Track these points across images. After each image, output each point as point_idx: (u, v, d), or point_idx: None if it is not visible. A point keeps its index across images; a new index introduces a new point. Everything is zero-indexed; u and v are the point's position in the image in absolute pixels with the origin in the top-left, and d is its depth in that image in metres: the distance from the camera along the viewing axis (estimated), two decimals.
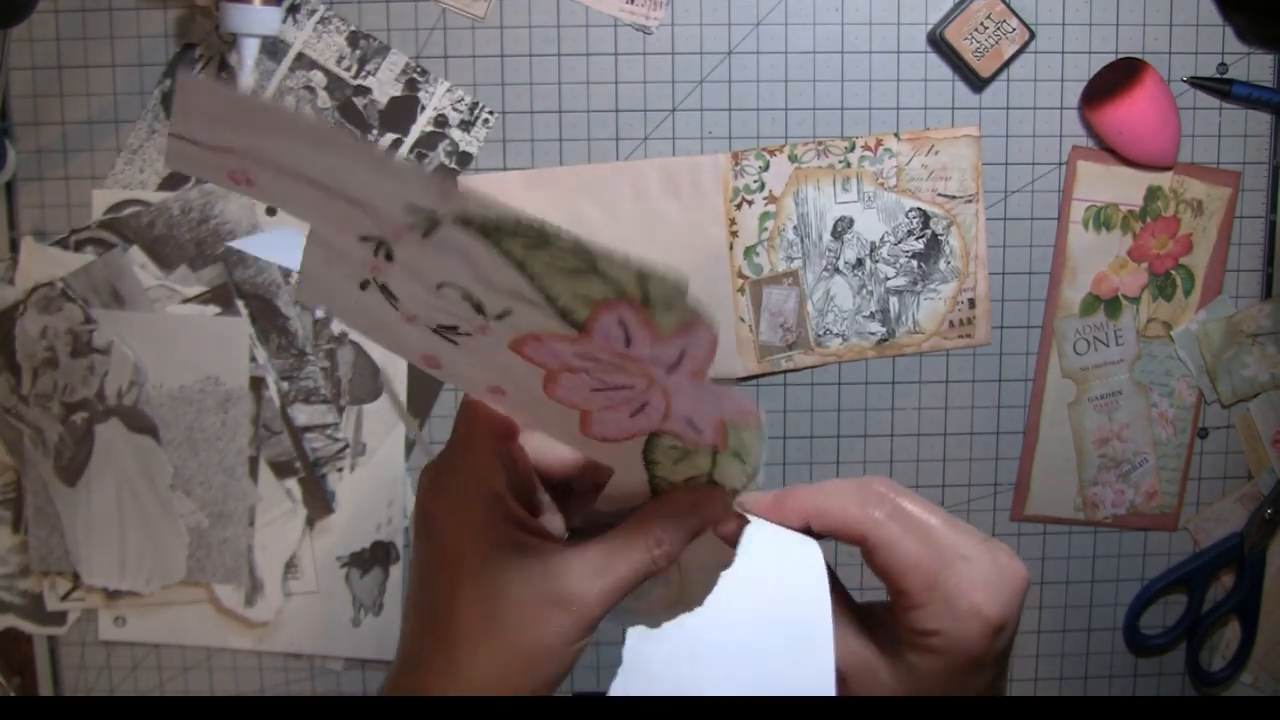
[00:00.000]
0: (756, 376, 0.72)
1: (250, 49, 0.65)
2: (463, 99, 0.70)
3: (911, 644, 0.37)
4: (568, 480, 0.42)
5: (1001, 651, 0.38)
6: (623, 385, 0.34)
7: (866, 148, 0.71)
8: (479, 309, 0.33)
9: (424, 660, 0.39)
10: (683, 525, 0.39)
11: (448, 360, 0.37)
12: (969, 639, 0.36)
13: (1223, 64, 0.71)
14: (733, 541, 0.40)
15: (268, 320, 0.71)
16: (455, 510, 0.38)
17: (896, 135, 0.70)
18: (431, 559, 0.39)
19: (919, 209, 0.71)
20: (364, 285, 0.36)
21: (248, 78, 0.65)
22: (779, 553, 0.39)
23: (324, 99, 0.70)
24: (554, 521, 0.41)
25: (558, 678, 0.38)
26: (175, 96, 0.33)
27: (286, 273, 0.71)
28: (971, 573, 0.37)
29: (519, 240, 0.30)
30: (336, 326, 0.72)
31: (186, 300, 0.70)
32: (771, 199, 0.71)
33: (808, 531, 0.40)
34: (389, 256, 0.34)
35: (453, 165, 0.71)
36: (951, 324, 0.72)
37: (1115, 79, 0.70)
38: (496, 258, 0.31)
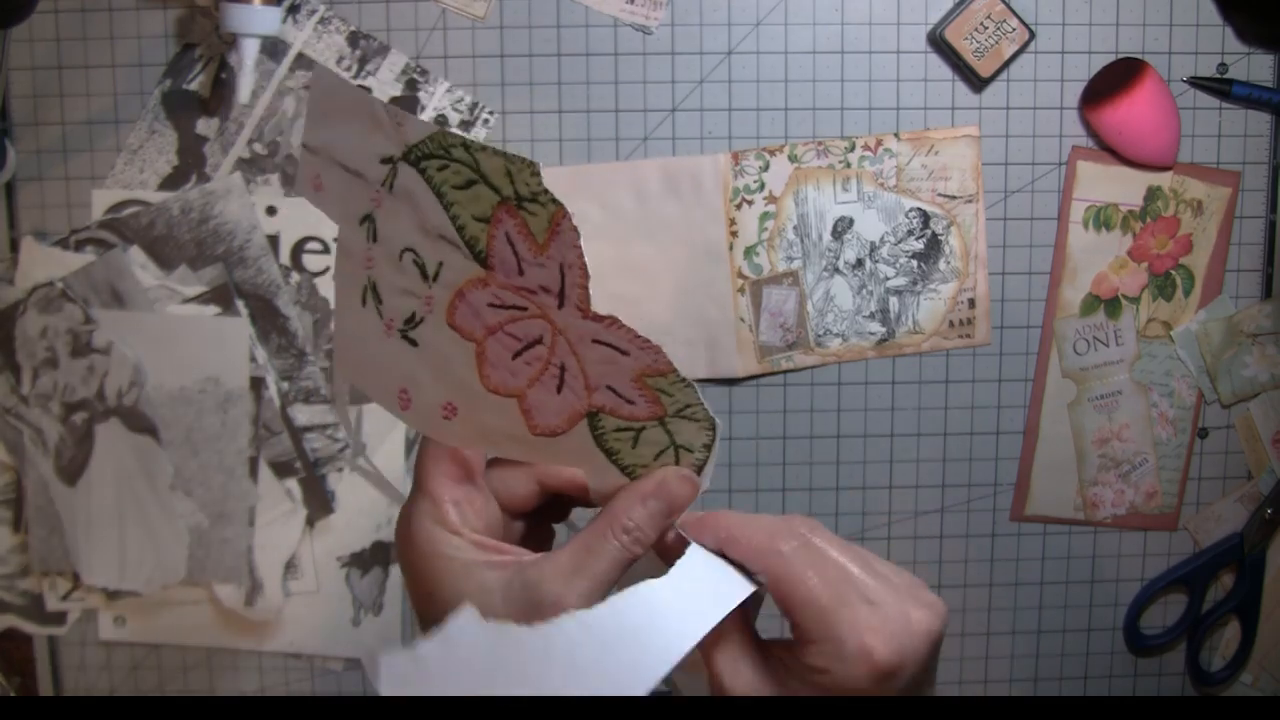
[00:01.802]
0: (756, 376, 0.72)
1: (250, 49, 0.65)
2: (463, 99, 0.70)
3: (802, 679, 0.38)
4: (537, 509, 0.43)
5: (899, 693, 0.37)
6: (534, 339, 0.37)
7: (866, 148, 0.71)
8: (424, 273, 0.37)
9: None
10: (648, 508, 0.40)
11: (415, 390, 0.40)
12: (854, 680, 0.36)
13: (1223, 64, 0.71)
14: (672, 556, 0.40)
15: (268, 320, 0.71)
16: (431, 560, 0.39)
17: (896, 135, 0.70)
18: (418, 603, 0.40)
19: (919, 209, 0.71)
20: (364, 296, 0.39)
21: (248, 78, 0.65)
22: (702, 581, 0.40)
23: None
24: (531, 548, 0.42)
25: None
26: (310, 96, 0.38)
27: (286, 273, 0.71)
28: (870, 617, 0.37)
29: (435, 162, 0.35)
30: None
31: (186, 300, 0.70)
32: (771, 199, 0.71)
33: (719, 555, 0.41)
34: (374, 236, 0.38)
35: None
36: (951, 324, 0.72)
37: (1115, 79, 0.70)
38: (427, 191, 0.35)
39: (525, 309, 0.36)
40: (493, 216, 0.35)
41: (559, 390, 0.38)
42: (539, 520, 0.44)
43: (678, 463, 0.40)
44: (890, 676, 0.36)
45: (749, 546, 0.39)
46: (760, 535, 0.39)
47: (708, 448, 0.40)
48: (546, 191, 0.34)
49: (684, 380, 0.38)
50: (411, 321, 0.39)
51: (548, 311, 0.36)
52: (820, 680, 0.37)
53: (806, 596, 0.37)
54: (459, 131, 0.32)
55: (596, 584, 0.38)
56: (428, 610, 0.40)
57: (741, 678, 0.39)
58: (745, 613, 0.40)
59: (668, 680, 0.40)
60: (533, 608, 0.38)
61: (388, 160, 0.36)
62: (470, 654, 0.37)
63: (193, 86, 0.70)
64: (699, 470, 0.41)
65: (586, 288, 0.35)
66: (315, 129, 0.39)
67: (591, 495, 0.41)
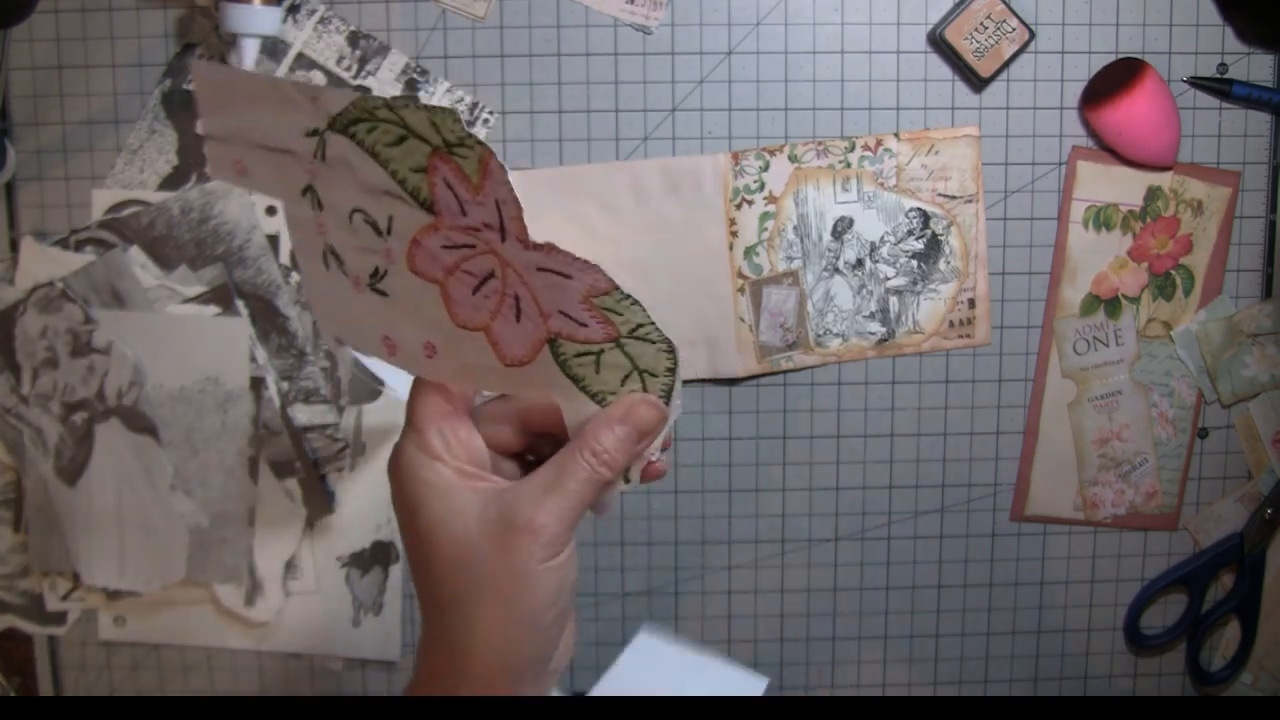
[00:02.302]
0: (756, 376, 0.72)
1: (250, 49, 0.65)
2: (463, 99, 0.70)
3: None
4: (528, 451, 0.46)
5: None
6: (487, 273, 0.39)
7: (866, 148, 0.71)
8: (377, 229, 0.39)
9: (432, 637, 0.42)
10: (616, 432, 0.41)
11: (397, 335, 0.42)
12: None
13: (1223, 64, 0.71)
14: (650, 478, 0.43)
15: (268, 320, 0.71)
16: (413, 484, 0.41)
17: (896, 135, 0.70)
18: (402, 528, 0.42)
19: (919, 209, 0.71)
20: (325, 260, 0.42)
21: None
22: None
23: None
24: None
25: (548, 602, 0.41)
26: (195, 90, 0.39)
27: (286, 273, 0.71)
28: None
29: (363, 126, 0.37)
30: None
31: (186, 300, 0.70)
32: (771, 199, 0.71)
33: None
34: (319, 204, 0.41)
35: None
36: (951, 324, 0.72)
37: (1115, 79, 0.70)
38: (362, 154, 0.37)
39: (474, 246, 0.39)
40: (428, 165, 0.37)
41: (518, 319, 0.40)
42: (531, 465, 0.45)
43: (644, 388, 0.42)
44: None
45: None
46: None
47: (670, 371, 0.42)
48: (470, 135, 0.36)
49: (630, 298, 0.40)
50: (376, 275, 0.41)
51: (494, 246, 0.38)
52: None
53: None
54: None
55: (569, 504, 0.41)
56: (411, 534, 0.42)
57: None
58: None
59: None
60: (507, 527, 0.40)
61: (313, 133, 0.38)
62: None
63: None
64: (666, 395, 0.42)
65: (521, 219, 0.37)
66: (216, 118, 0.41)
67: (567, 428, 0.43)
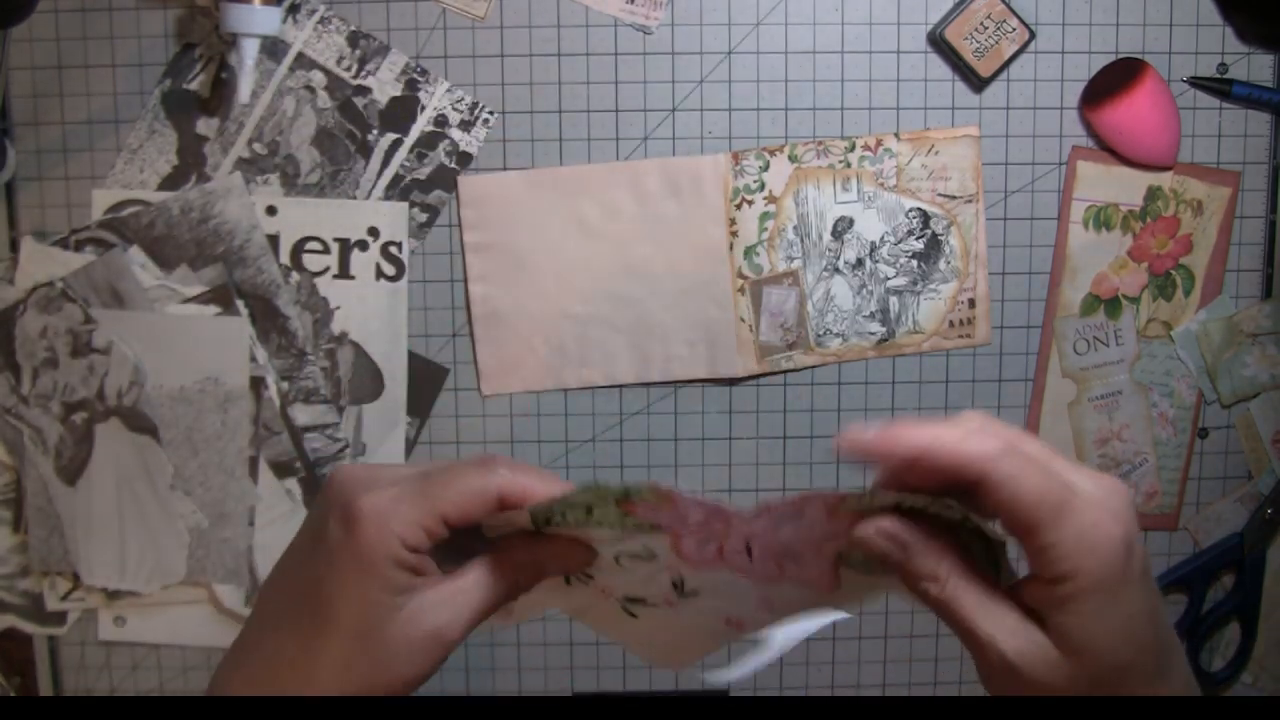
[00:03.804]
0: (756, 376, 0.72)
1: (250, 49, 0.65)
2: (463, 99, 0.70)
3: (1058, 600, 0.36)
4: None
5: (1142, 570, 0.36)
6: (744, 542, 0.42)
7: (866, 148, 0.71)
8: (644, 557, 0.43)
9: (285, 654, 0.40)
10: (541, 560, 0.42)
11: (734, 612, 0.46)
12: (1107, 566, 0.35)
13: (1223, 64, 0.71)
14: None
15: (268, 320, 0.71)
16: (382, 551, 0.39)
17: (896, 135, 0.70)
18: (335, 553, 0.40)
19: (919, 209, 0.71)
20: (628, 610, 0.46)
21: (248, 78, 0.65)
22: None
23: (324, 99, 0.70)
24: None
25: (415, 681, 0.41)
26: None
27: (286, 273, 0.71)
28: (1088, 498, 0.36)
29: (554, 523, 0.41)
30: (336, 326, 0.72)
31: (186, 300, 0.70)
32: (771, 199, 0.71)
33: (908, 474, 0.38)
34: (587, 577, 0.45)
35: (453, 165, 0.71)
36: (951, 324, 0.72)
37: (1115, 79, 0.70)
38: (574, 530, 0.42)
39: (715, 529, 0.41)
40: (624, 511, 0.40)
41: (796, 562, 0.43)
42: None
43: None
44: (1130, 546, 0.36)
45: (948, 462, 0.36)
46: (961, 450, 0.36)
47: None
48: (629, 489, 0.39)
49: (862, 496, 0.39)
50: (679, 587, 0.44)
51: (729, 522, 0.41)
52: (1072, 590, 0.35)
53: (1031, 499, 0.35)
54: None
55: (478, 616, 0.41)
56: (323, 560, 0.40)
57: (1016, 636, 0.37)
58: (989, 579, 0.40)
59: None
60: (422, 637, 0.39)
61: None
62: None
63: (193, 86, 0.70)
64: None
65: (725, 508, 0.41)
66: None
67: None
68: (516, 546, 0.42)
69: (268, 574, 0.43)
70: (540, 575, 0.43)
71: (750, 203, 0.70)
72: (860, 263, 0.71)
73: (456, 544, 0.43)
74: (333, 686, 0.39)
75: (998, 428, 0.37)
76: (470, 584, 0.41)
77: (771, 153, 0.70)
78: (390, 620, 0.39)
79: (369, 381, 0.72)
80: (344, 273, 0.71)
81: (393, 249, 0.71)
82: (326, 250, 0.71)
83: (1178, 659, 0.39)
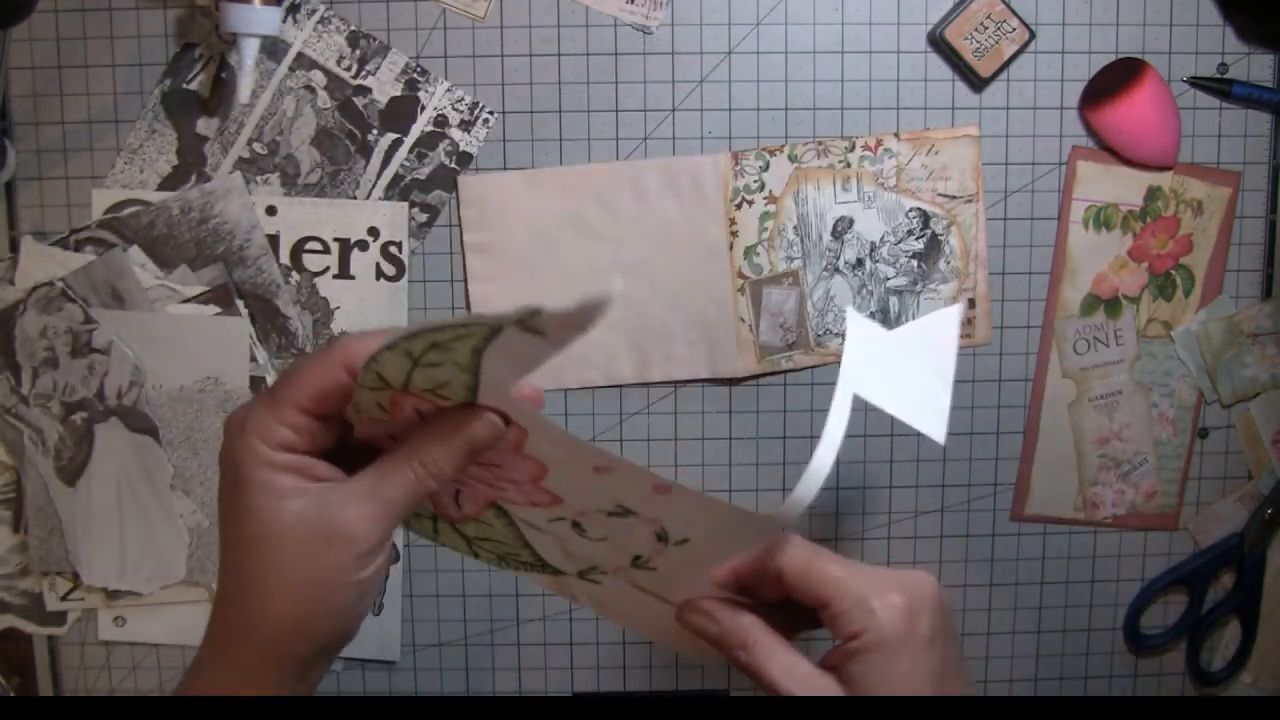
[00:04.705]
0: (756, 376, 0.72)
1: (250, 49, 0.65)
2: (463, 99, 0.70)
3: (848, 656, 0.43)
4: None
5: (927, 638, 0.43)
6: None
7: (866, 148, 0.71)
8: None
9: (227, 600, 0.41)
10: (448, 446, 0.41)
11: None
12: (887, 625, 0.42)
13: (1223, 64, 0.71)
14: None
15: (268, 320, 0.71)
16: (247, 457, 0.40)
17: (896, 135, 0.70)
18: (225, 505, 0.41)
19: (919, 209, 0.71)
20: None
21: (248, 78, 0.65)
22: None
23: (324, 99, 0.70)
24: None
25: (346, 607, 0.41)
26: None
27: (286, 272, 0.71)
28: (878, 577, 0.44)
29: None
30: (336, 326, 0.72)
31: (186, 300, 0.70)
32: (771, 199, 0.71)
33: (744, 592, 0.47)
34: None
35: (453, 165, 0.71)
36: None
37: (1115, 79, 0.70)
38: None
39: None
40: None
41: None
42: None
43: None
44: (914, 616, 0.43)
45: (753, 569, 0.46)
46: (759, 556, 0.45)
47: (503, 412, 0.42)
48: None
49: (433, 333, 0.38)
50: (662, 539, 0.46)
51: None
52: (860, 645, 0.42)
53: (823, 573, 0.44)
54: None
55: (389, 512, 0.40)
56: (228, 502, 0.41)
57: (811, 689, 0.43)
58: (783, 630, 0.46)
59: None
60: (324, 536, 0.40)
61: None
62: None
63: (193, 86, 0.70)
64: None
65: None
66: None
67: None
68: (412, 432, 0.41)
69: None
70: (450, 453, 0.41)
71: (750, 203, 0.70)
72: (860, 263, 0.71)
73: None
74: (264, 595, 0.40)
75: (801, 540, 0.45)
76: (369, 476, 0.41)
77: (771, 153, 0.70)
78: (280, 523, 0.39)
79: None
80: (344, 273, 0.71)
81: (393, 249, 0.71)
82: (326, 250, 0.71)
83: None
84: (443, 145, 0.71)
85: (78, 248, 0.71)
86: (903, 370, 0.49)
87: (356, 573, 0.40)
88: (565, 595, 0.51)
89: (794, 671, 0.44)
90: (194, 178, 0.71)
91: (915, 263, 0.71)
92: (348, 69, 0.70)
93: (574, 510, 0.45)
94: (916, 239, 0.71)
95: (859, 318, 0.49)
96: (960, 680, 0.45)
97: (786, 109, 0.71)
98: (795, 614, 0.46)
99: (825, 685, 0.43)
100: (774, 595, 0.46)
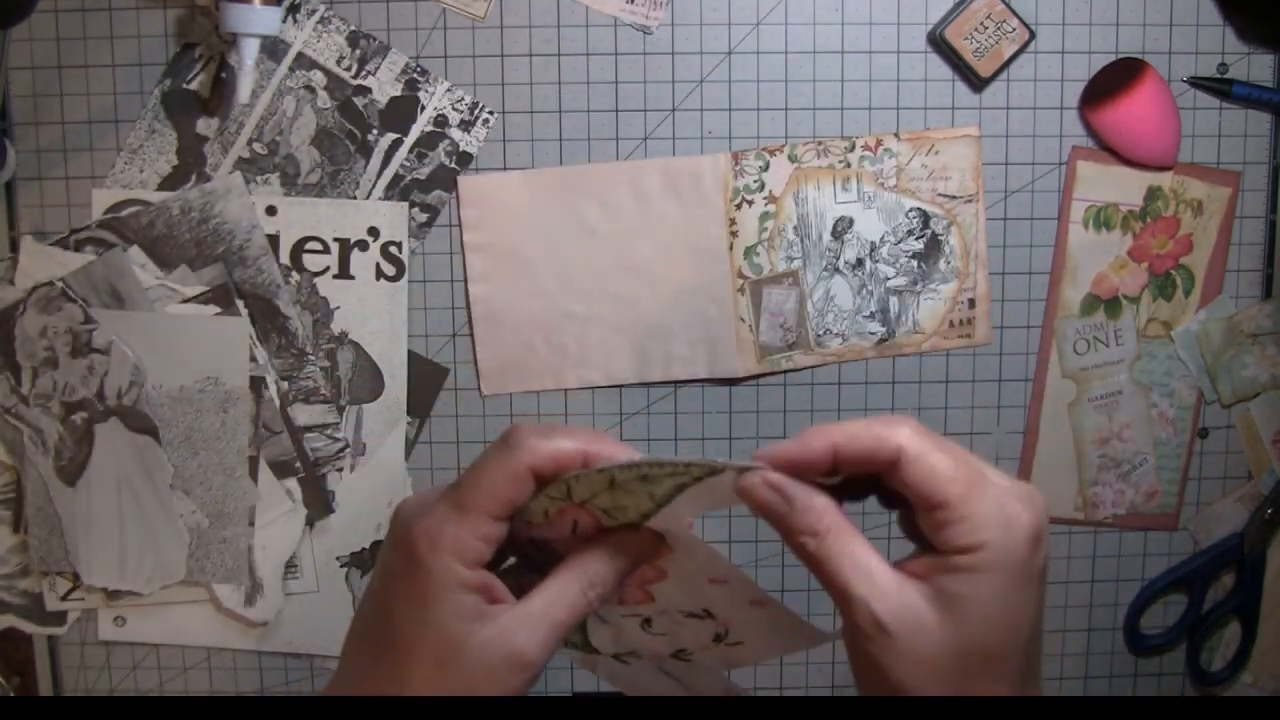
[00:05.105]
0: (756, 376, 0.72)
1: (250, 49, 0.65)
2: (463, 99, 0.70)
3: (953, 569, 0.36)
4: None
5: (1042, 568, 0.37)
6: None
7: (866, 148, 0.71)
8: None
9: (375, 693, 0.40)
10: (615, 565, 0.41)
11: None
12: (1015, 547, 0.36)
13: (1223, 64, 0.71)
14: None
15: (268, 320, 0.71)
16: (443, 576, 0.39)
17: (896, 135, 0.70)
18: (405, 609, 0.40)
19: (919, 209, 0.71)
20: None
21: (248, 78, 0.65)
22: None
23: (324, 99, 0.70)
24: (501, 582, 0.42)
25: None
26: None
27: (286, 272, 0.71)
28: (1002, 486, 0.37)
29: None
30: (336, 326, 0.72)
31: (186, 300, 0.70)
32: (771, 199, 0.71)
33: (829, 472, 0.39)
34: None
35: (453, 165, 0.71)
36: (951, 324, 0.72)
37: (1115, 79, 0.70)
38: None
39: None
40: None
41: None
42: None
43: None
44: (1040, 539, 0.36)
45: (870, 438, 0.38)
46: (877, 425, 0.38)
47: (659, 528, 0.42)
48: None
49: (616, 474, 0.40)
50: (720, 639, 0.46)
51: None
52: (978, 559, 0.36)
53: (947, 473, 0.37)
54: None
55: (557, 634, 0.40)
56: (401, 597, 0.39)
57: (891, 597, 0.37)
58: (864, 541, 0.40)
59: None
60: (502, 661, 0.39)
61: None
62: None
63: (193, 86, 0.70)
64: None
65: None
66: None
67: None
68: (582, 552, 0.41)
69: (349, 625, 0.43)
70: (616, 575, 0.41)
71: (750, 203, 0.70)
72: (860, 263, 0.71)
73: (533, 563, 0.43)
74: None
75: (916, 422, 0.38)
76: (543, 601, 0.40)
77: (771, 153, 0.70)
78: (466, 647, 0.39)
79: (369, 381, 0.72)
80: (344, 273, 0.71)
81: (393, 249, 0.71)
82: (326, 250, 0.71)
83: (1037, 672, 0.39)
84: (443, 145, 0.71)
85: (78, 248, 0.71)
86: None
87: (525, 689, 0.40)
88: (586, 667, 0.50)
89: (872, 575, 0.37)
90: (194, 178, 0.71)
91: (915, 263, 0.71)
92: (348, 69, 0.70)
93: (658, 610, 0.45)
94: (916, 239, 0.71)
95: None
96: (1040, 636, 0.39)
97: (786, 109, 0.71)
98: (852, 490, 0.41)
99: (910, 603, 0.37)
100: (853, 469, 0.39)
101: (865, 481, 0.40)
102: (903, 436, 0.37)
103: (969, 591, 0.36)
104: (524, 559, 0.44)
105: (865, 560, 0.38)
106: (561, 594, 0.41)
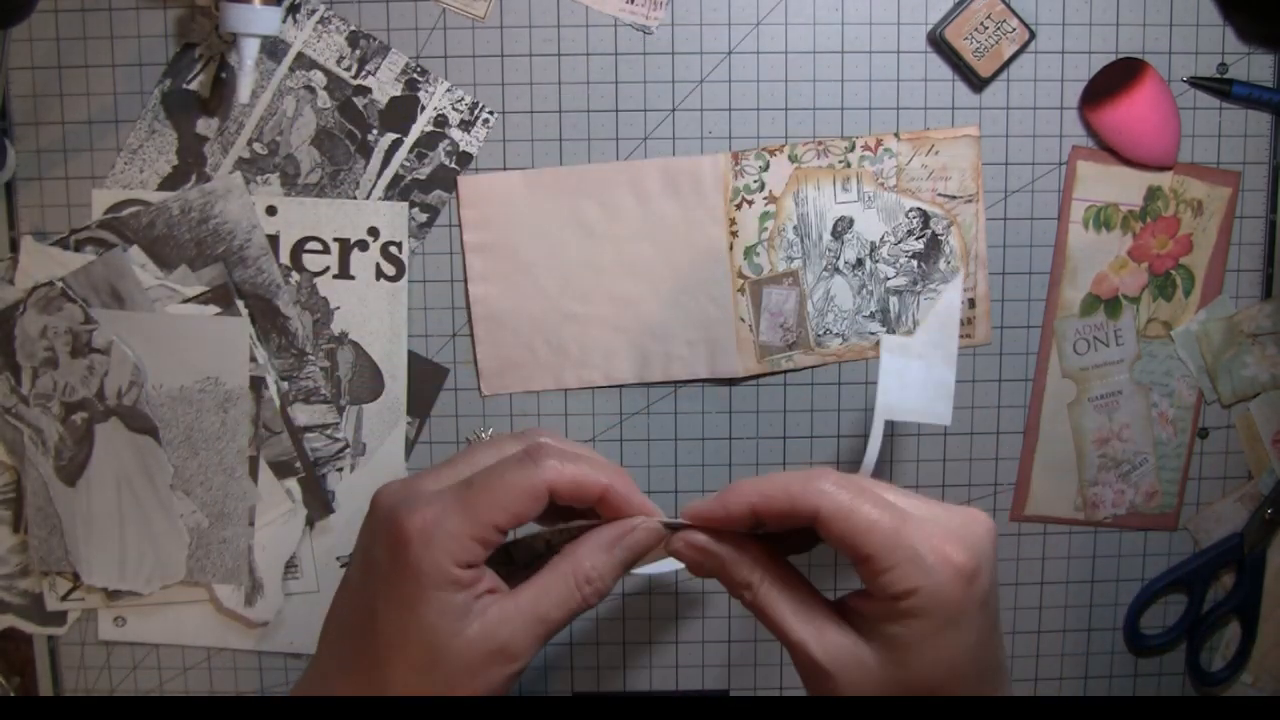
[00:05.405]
0: (756, 376, 0.72)
1: (250, 49, 0.65)
2: (463, 99, 0.70)
3: (890, 615, 0.37)
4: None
5: (981, 600, 0.37)
6: None
7: (866, 148, 0.71)
8: None
9: (357, 683, 0.39)
10: (613, 560, 0.40)
11: None
12: (946, 588, 0.36)
13: (1223, 64, 0.71)
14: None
15: (268, 320, 0.71)
16: (432, 573, 0.38)
17: (896, 135, 0.70)
18: (390, 605, 0.39)
19: (919, 209, 0.71)
20: None
21: (248, 78, 0.65)
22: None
23: (324, 99, 0.70)
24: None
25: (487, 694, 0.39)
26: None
27: (286, 273, 0.71)
28: (933, 526, 0.37)
29: None
30: (336, 326, 0.72)
31: (186, 300, 0.70)
32: (771, 199, 0.71)
33: (757, 525, 0.40)
34: None
35: (453, 165, 0.71)
36: None
37: (1115, 79, 0.70)
38: None
39: None
40: None
41: None
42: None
43: None
44: (974, 576, 0.36)
45: (787, 497, 0.38)
46: (795, 484, 0.38)
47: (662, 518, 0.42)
48: None
49: None
50: None
51: None
52: (910, 605, 0.36)
53: (867, 523, 0.37)
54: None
55: (550, 631, 0.39)
56: (379, 591, 0.38)
57: (824, 642, 0.38)
58: (807, 582, 0.41)
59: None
60: (488, 655, 0.38)
61: None
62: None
63: (193, 86, 0.70)
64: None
65: None
66: None
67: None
68: (576, 545, 0.40)
69: (328, 609, 0.41)
70: (615, 570, 0.40)
71: (750, 203, 0.70)
72: (860, 263, 0.71)
73: (519, 549, 0.42)
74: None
75: (837, 475, 0.38)
76: (531, 595, 0.39)
77: (771, 153, 0.70)
78: (450, 648, 0.37)
79: (369, 381, 0.72)
80: (344, 273, 0.71)
81: (393, 249, 0.71)
82: (326, 250, 0.71)
83: (995, 687, 0.39)
84: (443, 145, 0.71)
85: (78, 248, 0.71)
86: (920, 374, 0.49)
87: (507, 688, 0.39)
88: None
89: (812, 623, 0.38)
90: (194, 178, 0.71)
91: (915, 263, 0.71)
92: (348, 69, 0.70)
93: None
94: (916, 239, 0.71)
95: (891, 343, 0.48)
96: (997, 645, 0.39)
97: (786, 109, 0.71)
98: (796, 540, 0.41)
99: (846, 644, 0.38)
100: (778, 526, 0.40)
101: (807, 533, 0.40)
102: (820, 494, 0.37)
103: (905, 634, 0.37)
104: (505, 554, 0.43)
105: (803, 604, 0.39)
106: (553, 587, 0.39)
